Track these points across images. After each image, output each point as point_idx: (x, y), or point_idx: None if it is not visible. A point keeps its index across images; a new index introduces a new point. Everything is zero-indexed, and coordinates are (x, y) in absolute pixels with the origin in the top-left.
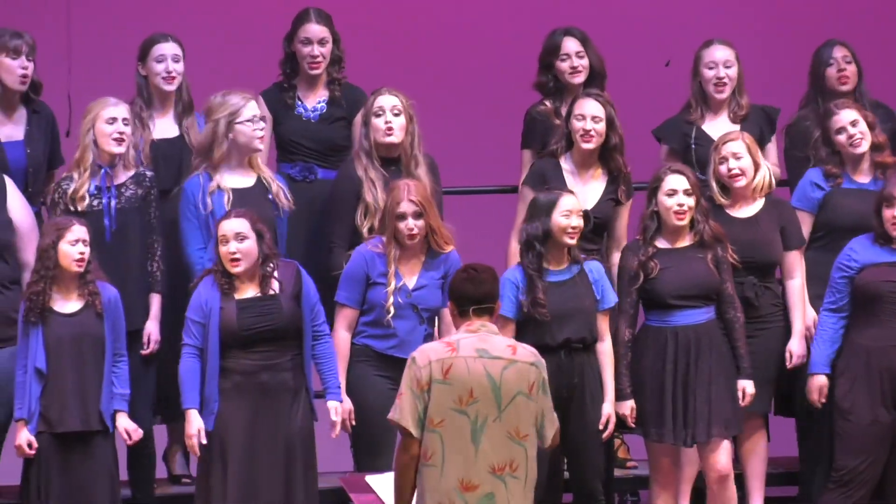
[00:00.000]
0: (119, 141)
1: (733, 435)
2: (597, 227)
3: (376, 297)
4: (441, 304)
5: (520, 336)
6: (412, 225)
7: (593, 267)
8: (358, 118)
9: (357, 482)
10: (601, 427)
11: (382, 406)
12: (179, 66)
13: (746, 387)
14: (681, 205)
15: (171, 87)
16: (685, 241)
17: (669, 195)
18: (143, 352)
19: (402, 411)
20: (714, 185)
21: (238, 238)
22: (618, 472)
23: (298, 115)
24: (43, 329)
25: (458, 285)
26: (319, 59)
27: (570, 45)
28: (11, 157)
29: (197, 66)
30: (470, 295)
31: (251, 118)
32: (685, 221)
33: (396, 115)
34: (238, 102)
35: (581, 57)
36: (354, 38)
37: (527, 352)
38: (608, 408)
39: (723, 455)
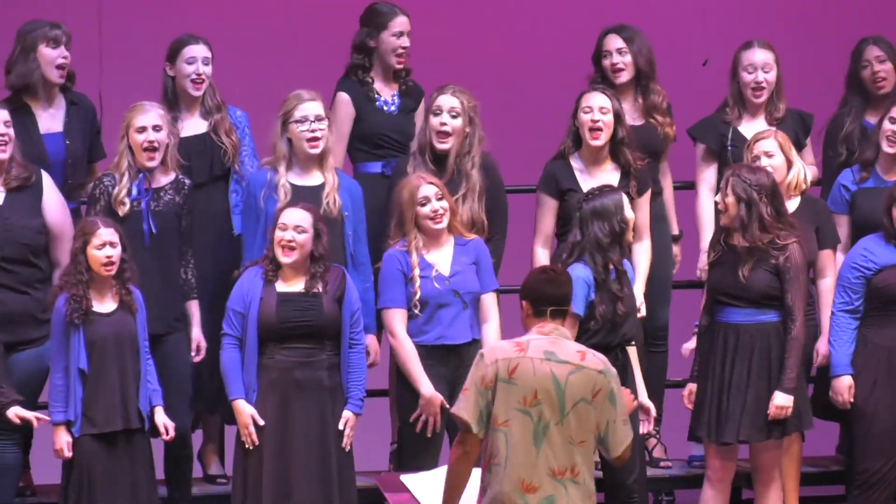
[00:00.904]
0: (150, 150)
1: (763, 440)
2: None
3: (410, 292)
4: (479, 288)
5: (581, 335)
6: (437, 206)
7: (629, 267)
8: (419, 112)
9: (392, 481)
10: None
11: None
12: (209, 69)
13: (776, 399)
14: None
15: (199, 92)
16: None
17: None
18: (196, 359)
19: (465, 406)
20: None
21: (298, 229)
22: (653, 472)
23: (381, 109)
24: (84, 330)
25: (536, 285)
26: (408, 50)
27: (612, 42)
28: (51, 148)
29: (228, 66)
30: (549, 296)
31: (301, 119)
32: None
33: (454, 116)
34: (291, 102)
35: (623, 54)
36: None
37: (596, 359)
38: (644, 401)
39: (765, 458)
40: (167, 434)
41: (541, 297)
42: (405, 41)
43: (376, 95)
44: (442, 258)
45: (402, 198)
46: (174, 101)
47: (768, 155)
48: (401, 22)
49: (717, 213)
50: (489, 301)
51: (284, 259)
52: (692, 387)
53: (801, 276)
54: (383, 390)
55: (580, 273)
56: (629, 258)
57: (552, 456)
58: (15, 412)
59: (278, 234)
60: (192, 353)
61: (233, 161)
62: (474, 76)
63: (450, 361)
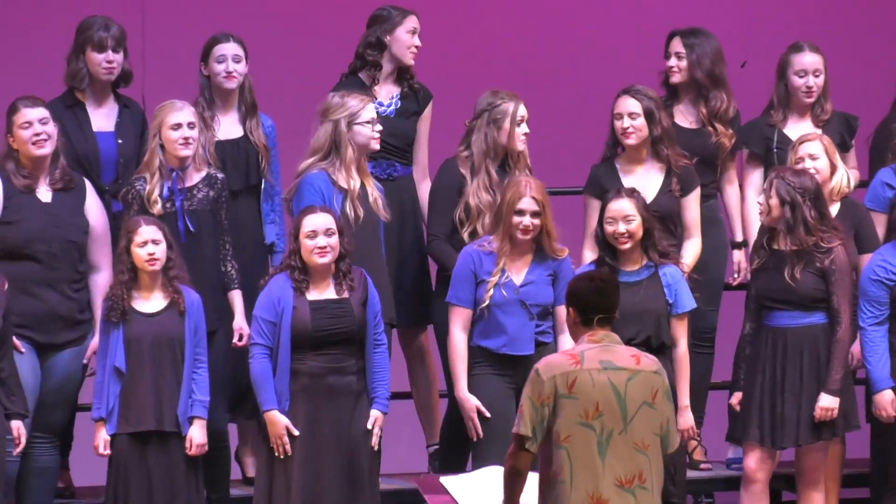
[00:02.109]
0: (185, 145)
1: (814, 442)
2: (660, 220)
3: (480, 294)
4: (552, 300)
5: None
6: (528, 222)
7: (668, 271)
8: (425, 116)
9: (432, 483)
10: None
11: (496, 409)
12: (241, 67)
13: (822, 401)
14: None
15: (232, 86)
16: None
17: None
18: (238, 343)
19: (522, 423)
20: None
21: (328, 233)
22: (693, 474)
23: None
24: (124, 328)
25: (584, 294)
26: (416, 50)
27: (674, 45)
28: (103, 146)
29: (272, 65)
30: (596, 305)
31: (370, 120)
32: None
33: (523, 123)
34: (357, 104)
35: (680, 58)
36: (442, 37)
37: (650, 360)
38: (682, 423)
39: (812, 460)
40: (191, 449)
41: (588, 306)
42: (417, 40)
43: (377, 99)
44: (518, 266)
45: (504, 200)
46: (211, 101)
47: (813, 157)
48: (414, 20)
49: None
50: (564, 313)
51: (321, 262)
52: (740, 396)
53: (846, 278)
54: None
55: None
56: (677, 256)
57: (618, 465)
58: (17, 427)
59: (309, 242)
60: (235, 341)
61: (265, 168)
62: (518, 78)
63: (516, 368)
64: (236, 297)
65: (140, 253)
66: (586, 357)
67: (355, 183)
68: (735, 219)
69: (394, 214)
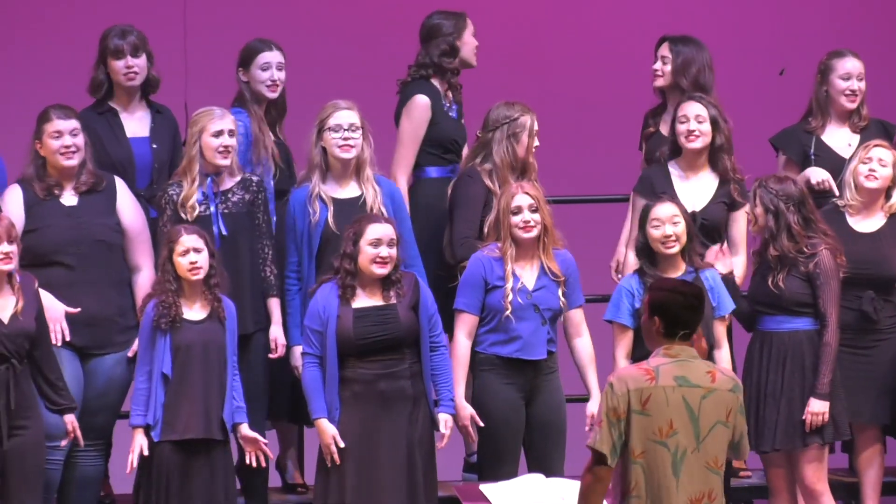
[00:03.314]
0: (225, 154)
1: (798, 449)
2: (705, 229)
3: (496, 302)
4: (559, 306)
5: (634, 343)
6: (528, 217)
7: (709, 274)
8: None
9: (471, 491)
10: None
11: (507, 416)
12: (282, 75)
13: (812, 405)
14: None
15: (275, 95)
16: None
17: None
18: (272, 355)
19: (601, 439)
20: (851, 182)
21: (391, 243)
22: (732, 482)
23: (447, 114)
24: (171, 335)
25: (674, 308)
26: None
27: (660, 49)
28: (138, 152)
29: (305, 69)
30: (685, 320)
31: (335, 127)
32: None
33: (536, 135)
34: (325, 111)
35: (665, 62)
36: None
37: (725, 378)
38: None
39: (808, 469)
40: (252, 447)
41: (676, 321)
42: (476, 41)
43: (443, 101)
44: (528, 271)
45: (500, 204)
46: (245, 106)
47: (882, 164)
48: (472, 27)
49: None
50: (578, 316)
51: (380, 272)
52: None
53: (831, 281)
54: None
55: (623, 283)
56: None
57: (690, 485)
58: (71, 420)
59: (371, 250)
60: (272, 353)
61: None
62: (543, 87)
63: (526, 372)
64: (274, 306)
65: (182, 262)
66: (661, 373)
67: (340, 193)
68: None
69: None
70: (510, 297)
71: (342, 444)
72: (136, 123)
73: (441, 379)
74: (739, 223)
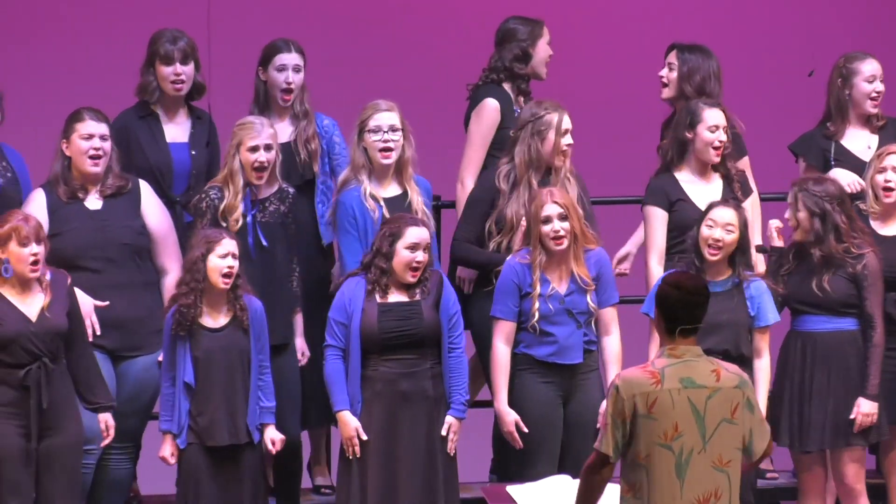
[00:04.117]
0: (261, 170)
1: (844, 447)
2: None
3: (527, 306)
4: (596, 305)
5: None
6: (558, 227)
7: (754, 284)
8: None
9: (498, 492)
10: None
11: (544, 415)
12: (299, 77)
13: (862, 406)
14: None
15: (287, 104)
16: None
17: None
18: (301, 364)
19: (606, 441)
20: (870, 190)
21: (426, 248)
22: (759, 483)
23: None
24: (190, 343)
25: (670, 303)
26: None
27: (669, 56)
28: (177, 158)
29: (330, 70)
30: (682, 317)
31: (375, 129)
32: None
33: (567, 134)
34: (366, 112)
35: (671, 69)
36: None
37: (731, 374)
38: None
39: (850, 469)
40: (273, 447)
41: (674, 317)
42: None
43: (514, 107)
44: (560, 275)
45: (530, 212)
46: (265, 105)
47: None
48: (546, 32)
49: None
50: (610, 315)
51: (412, 279)
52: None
53: (878, 283)
54: (487, 401)
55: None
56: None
57: (696, 485)
58: (105, 419)
59: (407, 254)
60: (301, 360)
61: (312, 169)
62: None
63: (563, 373)
64: (298, 319)
65: (220, 264)
66: (666, 375)
67: (384, 192)
68: (755, 222)
69: None
70: (537, 304)
71: (364, 437)
72: (176, 129)
73: (455, 381)
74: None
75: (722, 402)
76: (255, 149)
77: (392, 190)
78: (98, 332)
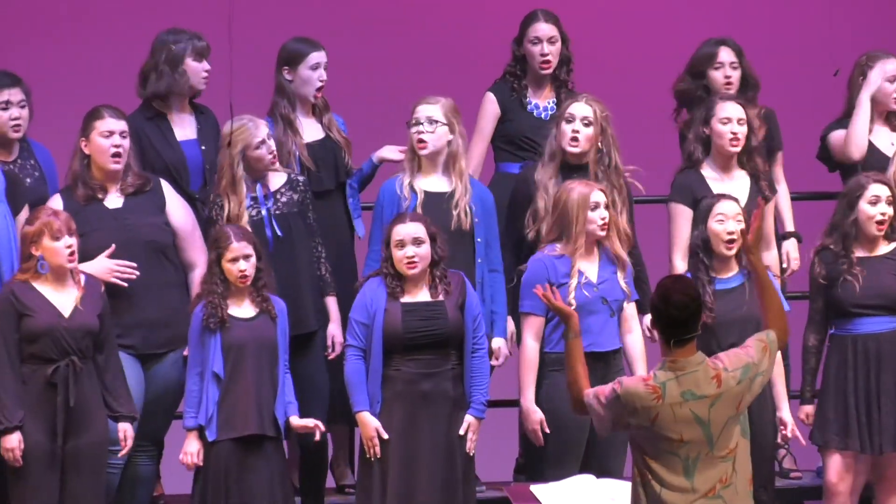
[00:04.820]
0: (272, 159)
1: None
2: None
3: (565, 297)
4: (624, 296)
5: None
6: (604, 214)
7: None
8: None
9: (522, 492)
10: (783, 432)
11: (574, 416)
12: (326, 75)
13: None
14: (883, 213)
15: (318, 99)
16: (879, 250)
17: (872, 203)
18: (330, 355)
19: (595, 418)
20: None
21: (416, 242)
22: (782, 483)
23: (531, 113)
24: (221, 334)
25: (660, 317)
26: (549, 56)
27: (726, 55)
28: (189, 154)
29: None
30: (672, 332)
31: (413, 120)
32: (884, 230)
33: (586, 125)
34: (413, 106)
35: (735, 68)
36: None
37: (731, 375)
38: (786, 415)
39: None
40: (317, 434)
41: (666, 330)
42: (544, 48)
43: (528, 100)
44: (590, 265)
45: (569, 202)
46: (292, 104)
47: None
48: (538, 29)
49: (856, 226)
50: (630, 310)
51: (411, 273)
52: (809, 409)
53: None
54: (513, 400)
55: None
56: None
57: (705, 479)
58: (125, 430)
59: (397, 252)
60: (328, 350)
61: (349, 164)
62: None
63: (597, 368)
64: (332, 305)
65: (231, 269)
66: (668, 391)
67: (432, 186)
68: (784, 213)
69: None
70: (573, 294)
71: (385, 436)
72: (184, 126)
73: (477, 381)
74: (770, 218)
75: (726, 404)
76: (261, 143)
77: (440, 185)
78: (133, 276)
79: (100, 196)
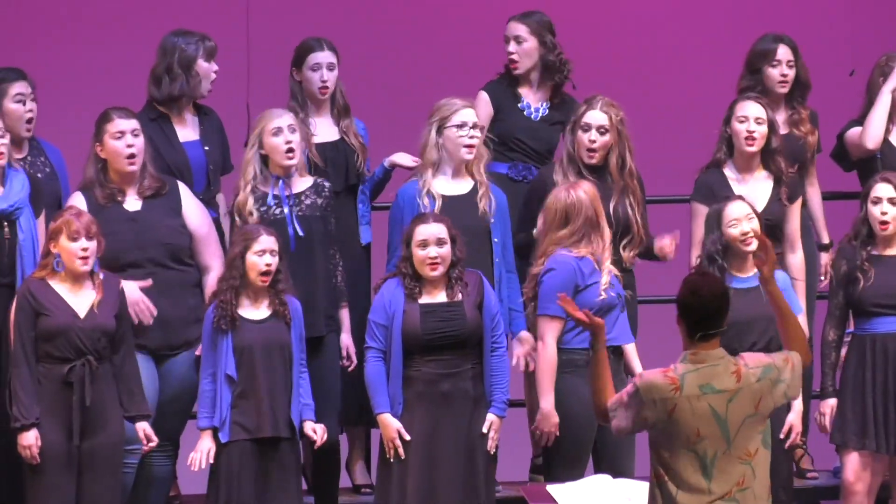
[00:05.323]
0: (290, 152)
1: None
2: (768, 228)
3: (589, 300)
4: (624, 292)
5: None
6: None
7: (780, 276)
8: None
9: (538, 492)
10: (782, 437)
11: (589, 418)
12: (333, 75)
13: None
14: (884, 213)
15: (325, 97)
16: (893, 250)
17: (874, 203)
18: (349, 368)
19: (617, 419)
20: None
21: (439, 243)
22: (799, 483)
23: (522, 112)
24: (232, 336)
25: (688, 310)
26: (514, 56)
27: (783, 52)
28: (192, 155)
29: (368, 69)
30: (701, 324)
31: (460, 124)
32: (889, 231)
33: (602, 133)
34: (451, 107)
35: (791, 66)
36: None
37: (751, 371)
38: (792, 417)
39: None
40: (318, 439)
41: (692, 323)
42: (511, 47)
43: (522, 99)
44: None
45: (587, 203)
46: (303, 104)
47: None
48: (508, 27)
49: (868, 224)
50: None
51: (433, 274)
52: (832, 403)
53: None
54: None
55: None
56: (783, 269)
57: (722, 481)
58: (143, 428)
59: (420, 252)
60: (344, 361)
61: (362, 168)
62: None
63: (611, 363)
64: (345, 314)
65: (257, 262)
66: (686, 383)
67: (452, 188)
68: (819, 221)
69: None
70: (603, 295)
71: (407, 437)
72: (186, 128)
73: (497, 380)
74: (794, 219)
75: (743, 402)
76: (278, 131)
77: (461, 187)
78: (154, 313)
79: (118, 198)
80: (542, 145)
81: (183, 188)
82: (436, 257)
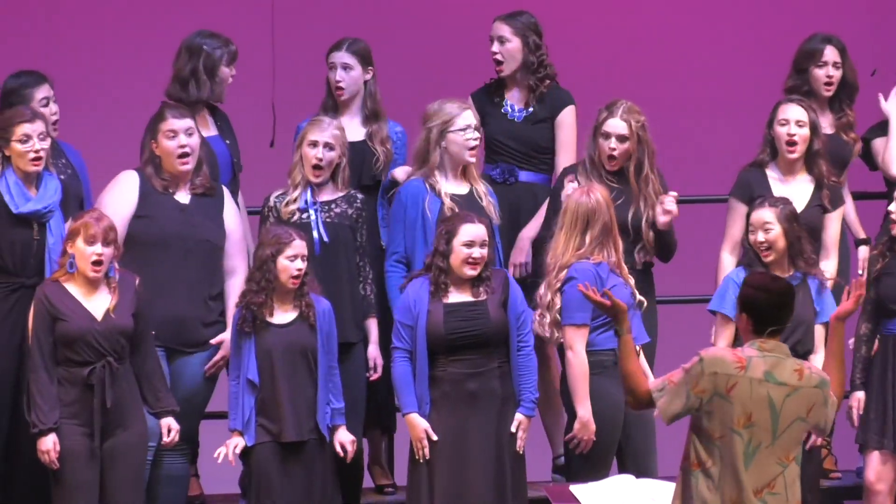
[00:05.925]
0: (317, 168)
1: None
2: (809, 231)
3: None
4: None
5: (736, 335)
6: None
7: (812, 284)
8: (566, 118)
9: (562, 492)
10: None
11: (614, 419)
12: (348, 76)
13: None
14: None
15: (342, 97)
16: None
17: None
18: (372, 377)
19: (668, 399)
20: None
21: (483, 244)
22: (823, 483)
23: (504, 115)
24: (256, 340)
25: (761, 306)
26: (498, 56)
27: (830, 53)
28: (217, 150)
29: (400, 70)
30: (773, 318)
31: (464, 127)
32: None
33: (622, 141)
34: (453, 111)
35: (837, 68)
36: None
37: (814, 375)
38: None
39: None
40: (348, 455)
41: (764, 318)
42: (494, 47)
43: (504, 102)
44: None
45: (604, 208)
46: (333, 105)
47: None
48: (493, 27)
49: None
50: None
51: (471, 273)
52: (860, 396)
53: None
54: None
55: (732, 275)
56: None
57: (758, 476)
58: (168, 423)
59: (464, 250)
60: (371, 372)
61: (383, 172)
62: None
63: None
64: (372, 326)
65: (289, 266)
66: (752, 364)
67: (455, 190)
68: (856, 220)
69: (507, 219)
70: (624, 295)
71: (434, 438)
72: (204, 124)
73: (524, 379)
74: (832, 227)
75: (800, 401)
76: (314, 144)
77: (461, 187)
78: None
79: (171, 190)
80: (524, 146)
81: (227, 193)
82: (479, 257)
